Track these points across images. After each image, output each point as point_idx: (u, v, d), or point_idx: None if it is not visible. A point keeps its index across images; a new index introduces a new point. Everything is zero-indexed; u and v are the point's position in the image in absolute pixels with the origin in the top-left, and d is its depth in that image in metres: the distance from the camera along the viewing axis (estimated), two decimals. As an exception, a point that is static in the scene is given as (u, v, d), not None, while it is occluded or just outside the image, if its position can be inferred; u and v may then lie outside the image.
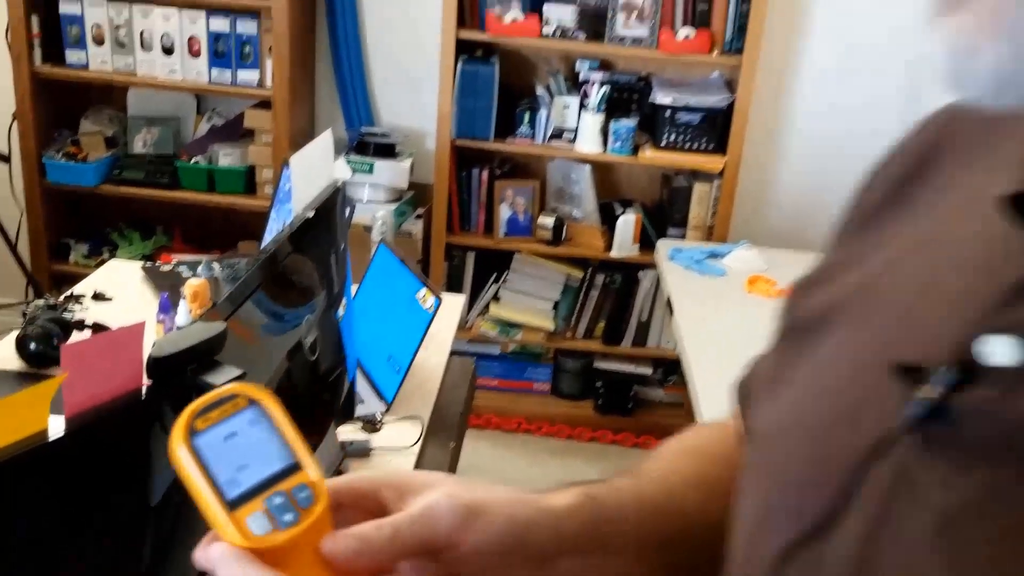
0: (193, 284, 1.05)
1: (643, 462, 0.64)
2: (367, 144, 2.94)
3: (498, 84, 2.81)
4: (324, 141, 1.47)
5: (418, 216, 2.99)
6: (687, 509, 0.60)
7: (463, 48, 2.82)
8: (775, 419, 0.54)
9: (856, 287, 0.52)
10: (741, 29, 2.70)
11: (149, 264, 2.15)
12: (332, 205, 1.45)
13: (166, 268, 2.13)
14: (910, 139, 0.57)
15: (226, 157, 2.98)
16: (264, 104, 2.91)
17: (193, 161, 2.99)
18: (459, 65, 2.79)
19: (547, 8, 2.73)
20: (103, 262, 2.99)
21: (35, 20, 2.83)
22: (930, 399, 0.41)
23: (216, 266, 1.21)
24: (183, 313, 1.04)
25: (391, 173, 2.89)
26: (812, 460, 0.48)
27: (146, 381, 0.79)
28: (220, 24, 2.83)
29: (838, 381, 0.49)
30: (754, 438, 0.57)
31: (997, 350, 0.40)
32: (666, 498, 0.60)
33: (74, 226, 3.13)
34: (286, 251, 1.25)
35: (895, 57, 2.79)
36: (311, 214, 1.32)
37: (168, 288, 1.94)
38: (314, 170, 1.38)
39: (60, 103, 3.02)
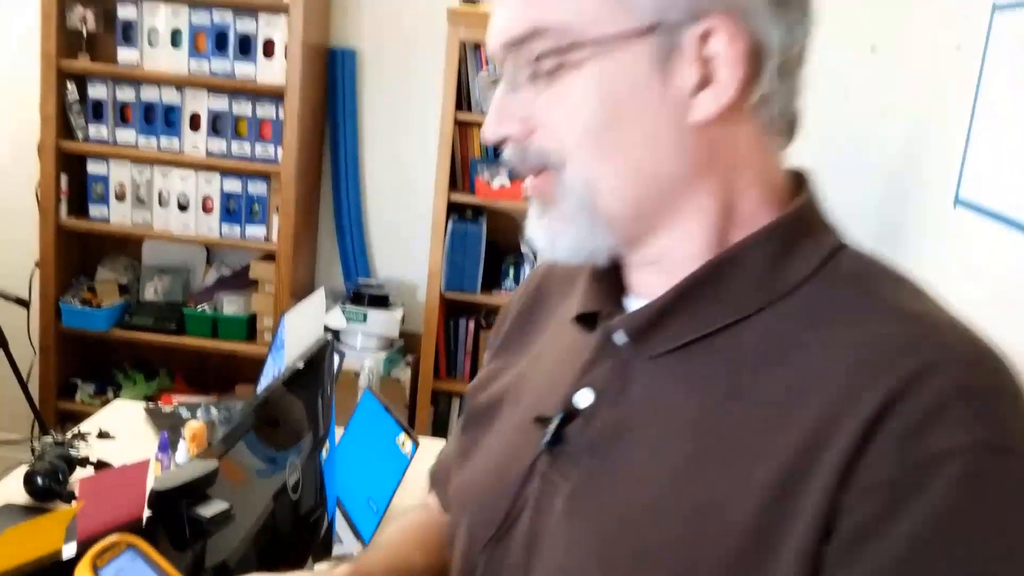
0: (193, 426, 1.19)
1: (380, 539, 0.95)
2: (362, 295, 3.14)
3: (485, 241, 3.03)
4: (318, 298, 1.64)
5: (407, 363, 3.16)
6: (415, 565, 0.88)
7: (454, 209, 3.05)
8: (468, 477, 0.83)
9: (514, 380, 0.83)
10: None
11: (151, 405, 2.30)
12: (321, 357, 1.61)
13: (167, 410, 2.28)
14: (524, 287, 0.92)
15: (231, 305, 3.18)
16: (269, 256, 3.13)
17: (200, 308, 3.19)
18: (450, 224, 3.02)
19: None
20: (107, 402, 3.14)
21: (64, 178, 3.09)
22: (552, 432, 0.72)
23: (214, 410, 1.36)
24: (182, 452, 1.17)
25: (383, 323, 3.08)
26: (494, 488, 0.76)
27: (147, 512, 0.93)
28: (233, 185, 3.09)
29: (507, 437, 0.79)
30: (454, 497, 0.85)
31: (581, 398, 0.72)
32: (401, 561, 0.88)
33: (82, 366, 3.29)
34: (277, 397, 1.40)
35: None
36: (301, 365, 1.49)
37: (168, 428, 2.09)
38: (307, 325, 1.55)
39: (80, 252, 3.25)
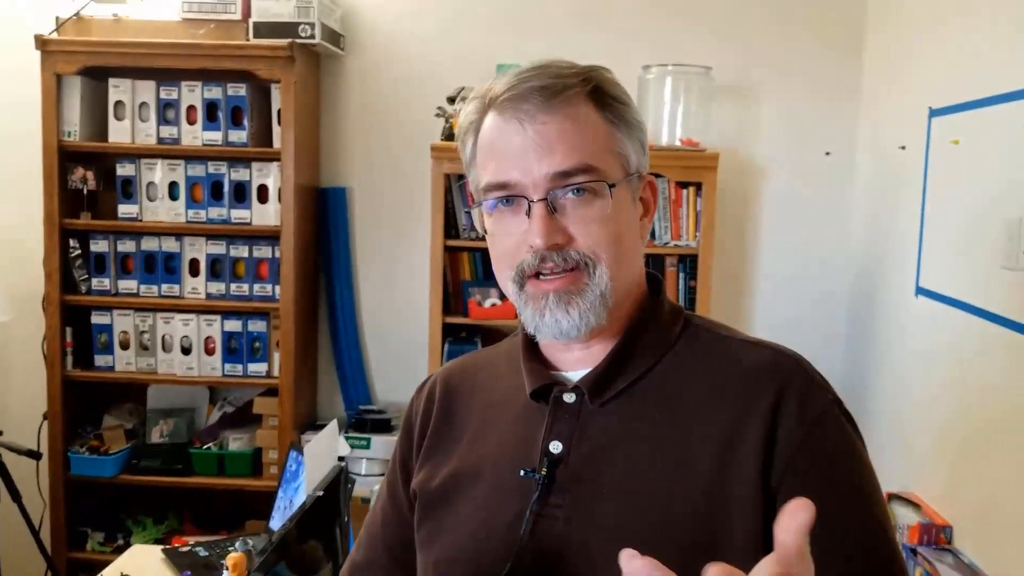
0: (233, 556, 1.28)
1: None
2: (364, 421, 3.23)
3: (481, 361, 3.14)
4: (331, 429, 1.75)
5: (413, 485, 3.22)
6: None
7: (449, 331, 3.18)
8: (450, 548, 1.00)
9: (460, 467, 1.04)
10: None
11: (168, 547, 2.36)
12: (338, 484, 1.71)
13: (184, 550, 2.35)
14: (423, 404, 1.13)
15: (235, 441, 3.26)
16: (272, 391, 3.22)
17: (205, 447, 3.26)
18: (446, 346, 3.14)
19: (519, 295, 3.12)
20: (118, 548, 3.19)
21: (68, 331, 3.21)
22: (542, 474, 0.96)
23: (251, 541, 1.45)
24: (224, 582, 1.27)
25: (387, 446, 3.16)
26: (486, 544, 0.97)
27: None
28: (233, 325, 3.21)
29: (481, 504, 1.00)
30: (436, 571, 1.01)
31: (553, 448, 0.98)
32: None
33: (91, 514, 3.33)
34: (302, 525, 1.50)
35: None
36: (321, 492, 1.58)
37: (188, 567, 2.16)
38: (323, 454, 1.66)
39: (86, 400, 3.34)
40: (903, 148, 2.73)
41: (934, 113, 2.51)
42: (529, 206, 0.95)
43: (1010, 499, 2.05)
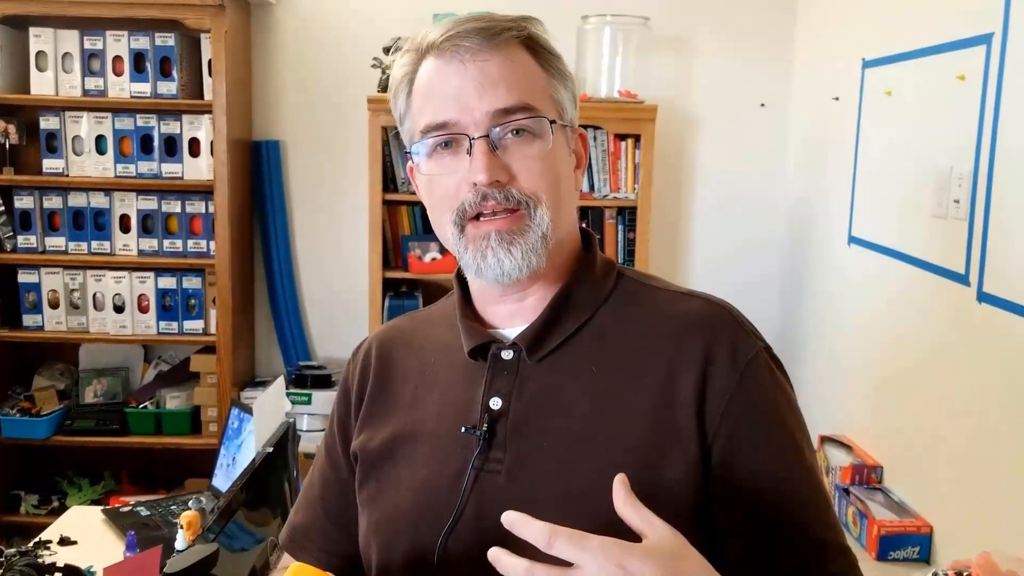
0: (187, 515, 1.27)
1: None
2: (305, 377, 3.21)
3: (422, 315, 3.14)
4: (278, 386, 1.74)
5: (356, 440, 3.22)
6: None
7: (389, 285, 3.16)
8: (392, 506, 1.02)
9: (400, 428, 1.04)
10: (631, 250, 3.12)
11: (108, 508, 2.33)
12: (286, 440, 1.70)
13: (125, 510, 2.31)
14: (359, 369, 1.12)
15: (173, 400, 3.21)
16: (209, 349, 3.18)
17: (141, 406, 3.21)
18: (386, 301, 3.13)
19: (460, 248, 3.12)
20: (53, 511, 3.13)
21: (-7, 291, 3.11)
22: (483, 431, 0.97)
23: (203, 499, 1.43)
24: (180, 539, 1.25)
25: (328, 402, 3.15)
26: (429, 500, 0.98)
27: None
28: (168, 282, 3.15)
29: (423, 461, 1.01)
30: (380, 527, 1.02)
31: (493, 404, 0.98)
32: None
33: (24, 477, 3.26)
34: (252, 483, 1.49)
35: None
36: (271, 449, 1.58)
37: (131, 527, 2.13)
38: (270, 410, 1.64)
39: (16, 362, 3.25)
40: (837, 99, 2.78)
41: (867, 64, 2.56)
42: (471, 144, 0.94)
43: (936, 439, 2.14)
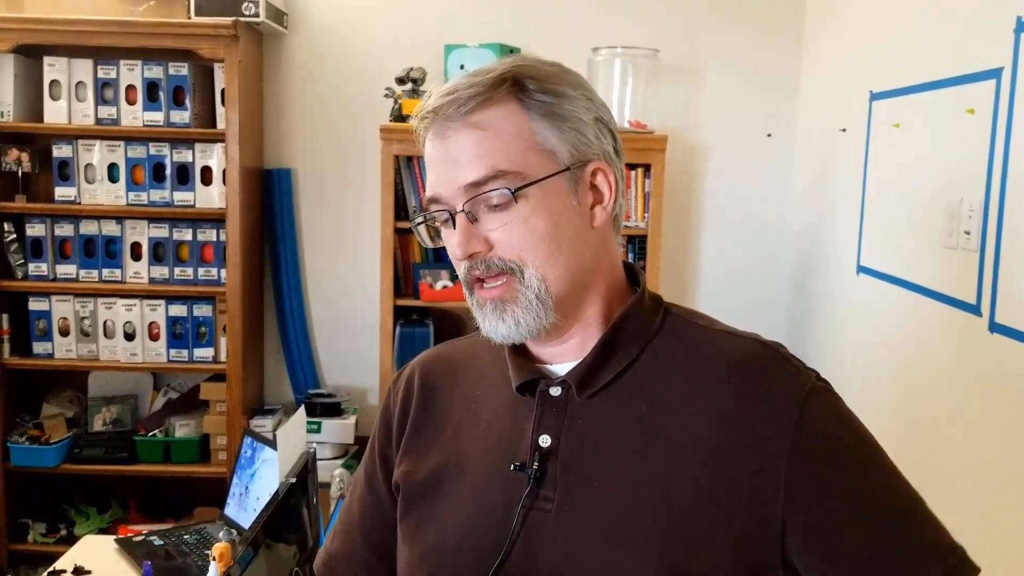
0: (219, 546, 1.28)
1: None
2: (314, 405, 3.21)
3: (433, 340, 3.15)
4: (299, 416, 1.75)
5: (364, 468, 3.22)
6: None
7: (400, 313, 3.18)
8: (435, 542, 1.01)
9: (444, 459, 1.05)
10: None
11: (121, 537, 2.33)
12: (307, 470, 1.71)
13: (138, 539, 2.31)
14: (401, 396, 1.12)
15: (182, 428, 3.21)
16: (218, 376, 3.18)
17: (151, 434, 3.21)
18: (397, 328, 3.14)
19: (470, 276, 3.13)
20: (61, 539, 3.12)
21: (5, 318, 3.11)
22: (533, 468, 0.97)
23: (234, 531, 1.44)
24: (212, 571, 1.27)
25: (338, 430, 3.16)
26: (475, 537, 0.98)
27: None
28: (178, 310, 3.16)
29: (470, 496, 1.01)
30: (423, 564, 1.02)
31: (542, 441, 0.99)
32: None
33: (31, 505, 3.25)
34: (276, 514, 1.49)
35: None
36: (295, 479, 1.58)
37: (145, 557, 2.13)
38: (293, 440, 1.65)
39: (25, 389, 3.25)
40: (844, 131, 2.81)
41: (875, 97, 2.60)
42: (452, 219, 0.98)
43: (946, 468, 2.15)
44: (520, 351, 1.05)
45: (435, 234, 1.04)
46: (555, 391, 1.01)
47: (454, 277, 3.15)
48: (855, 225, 2.71)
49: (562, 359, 1.03)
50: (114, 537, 2.32)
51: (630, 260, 3.06)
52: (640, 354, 1.00)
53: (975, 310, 2.02)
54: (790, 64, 3.29)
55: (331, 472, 2.39)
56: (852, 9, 2.85)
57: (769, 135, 3.33)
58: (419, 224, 1.02)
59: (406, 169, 3.13)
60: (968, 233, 2.06)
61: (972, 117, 2.04)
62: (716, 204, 3.39)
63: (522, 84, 0.97)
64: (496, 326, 0.97)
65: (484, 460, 1.02)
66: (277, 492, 1.55)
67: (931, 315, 2.24)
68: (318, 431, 3.13)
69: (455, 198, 0.96)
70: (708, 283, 3.42)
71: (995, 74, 1.95)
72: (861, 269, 2.68)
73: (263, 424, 3.18)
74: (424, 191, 3.26)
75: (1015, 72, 1.88)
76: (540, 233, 0.96)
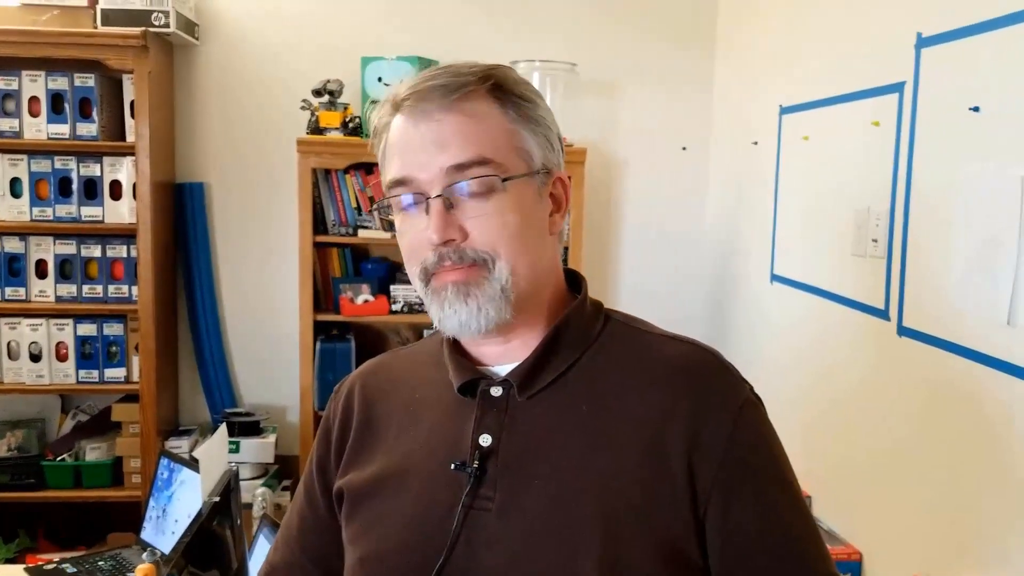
0: (143, 568, 1.23)
1: None
2: (232, 424, 3.13)
3: (355, 356, 3.12)
4: (221, 434, 1.71)
5: (284, 488, 3.16)
6: None
7: (320, 329, 3.13)
8: (381, 545, 1.01)
9: (387, 465, 1.04)
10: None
11: (31, 566, 2.23)
12: (230, 490, 1.67)
13: (49, 567, 2.22)
14: (342, 407, 1.12)
15: (93, 451, 3.10)
16: (131, 397, 3.08)
17: (59, 459, 3.08)
18: (317, 344, 3.09)
19: (394, 289, 3.12)
20: (-37, 571, 2.96)
21: (-100, 340, 2.96)
22: (473, 467, 0.98)
23: (158, 552, 1.39)
24: (136, 593, 1.23)
25: (257, 450, 3.09)
26: (418, 538, 0.98)
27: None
28: (87, 329, 3.05)
29: (412, 499, 1.01)
30: (367, 566, 1.01)
31: (483, 441, 0.99)
32: None
33: (-70, 538, 3.09)
34: (200, 534, 1.46)
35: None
36: (217, 499, 1.54)
37: (58, 586, 2.05)
38: (214, 459, 1.61)
39: (-80, 416, 3.09)
40: (756, 144, 2.90)
41: (784, 111, 2.68)
42: (427, 203, 0.97)
43: (862, 468, 2.22)
44: (460, 352, 1.06)
45: (388, 226, 1.04)
46: (496, 391, 1.02)
47: (375, 292, 3.12)
48: (768, 235, 2.79)
49: (503, 360, 1.04)
50: (23, 566, 2.23)
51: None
52: (581, 356, 1.02)
53: (884, 315, 2.10)
54: (703, 79, 3.38)
55: (252, 492, 2.34)
56: (762, 25, 2.94)
57: (684, 148, 3.40)
58: (384, 207, 1.01)
59: (324, 182, 3.09)
60: (876, 241, 2.14)
61: (877, 129, 2.13)
62: (634, 216, 3.45)
63: (501, 85, 1.00)
64: (457, 310, 0.97)
65: (426, 462, 1.02)
66: (200, 512, 1.51)
67: (842, 321, 2.31)
68: (236, 451, 3.05)
69: (432, 182, 0.96)
70: (628, 293, 3.47)
71: (898, 88, 2.04)
72: (775, 278, 2.76)
73: (179, 445, 3.09)
74: (343, 204, 3.21)
75: (916, 86, 1.97)
76: (513, 228, 0.97)
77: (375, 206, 1.05)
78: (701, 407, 0.96)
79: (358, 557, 1.03)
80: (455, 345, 1.07)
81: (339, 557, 1.08)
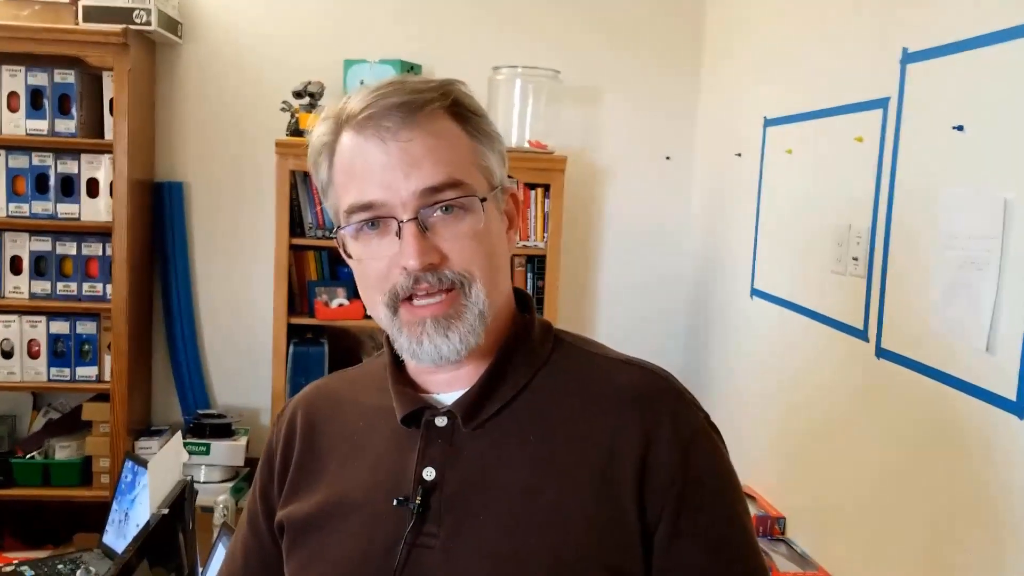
0: (76, 587, 1.20)
1: None
2: (203, 426, 3.09)
3: (328, 360, 3.08)
4: (175, 442, 1.67)
5: (257, 491, 3.12)
6: None
7: (294, 332, 3.09)
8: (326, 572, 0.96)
9: (328, 497, 0.99)
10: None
11: (-11, 568, 2.19)
12: (182, 500, 1.63)
13: (8, 569, 2.18)
14: (284, 435, 1.06)
15: (63, 450, 3.06)
16: (102, 396, 3.04)
17: (29, 456, 3.04)
18: (291, 347, 3.05)
19: (369, 295, 3.07)
20: (-74, 569, 2.92)
21: None
22: (416, 503, 0.93)
23: (92, 568, 1.35)
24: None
25: (227, 452, 3.05)
26: (361, 572, 0.93)
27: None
28: (60, 327, 3.01)
29: (355, 532, 0.96)
30: None
31: (427, 474, 0.95)
32: None
33: None
34: (146, 546, 1.42)
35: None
36: (167, 510, 1.51)
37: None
38: (167, 468, 1.57)
39: None
40: (739, 155, 2.86)
41: (769, 123, 2.65)
42: (399, 227, 0.92)
43: (837, 490, 2.19)
44: (404, 380, 1.01)
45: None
46: (440, 422, 0.97)
47: (350, 295, 3.09)
48: (749, 248, 2.76)
49: (450, 388, 0.99)
50: (-20, 569, 2.19)
51: (527, 280, 3.11)
52: (529, 382, 0.98)
53: (863, 335, 2.07)
54: (688, 88, 3.34)
55: (215, 497, 2.30)
56: (748, 36, 2.91)
57: (668, 158, 3.37)
58: (349, 229, 0.95)
59: (302, 185, 3.06)
60: (856, 259, 2.11)
61: (861, 145, 2.10)
62: (616, 225, 3.41)
63: (459, 101, 0.96)
64: (439, 345, 0.93)
65: (368, 495, 0.97)
66: (148, 524, 1.47)
67: (821, 340, 2.28)
68: (207, 453, 3.01)
69: (404, 204, 0.91)
70: (607, 304, 3.43)
71: (882, 103, 2.01)
72: (755, 292, 2.72)
73: (149, 446, 3.05)
74: (320, 207, 3.18)
75: (901, 102, 1.94)
76: (485, 249, 0.95)
77: (334, 233, 0.99)
78: (652, 435, 0.93)
79: None
80: (397, 373, 1.02)
81: None
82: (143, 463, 2.26)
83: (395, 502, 0.94)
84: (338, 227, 0.97)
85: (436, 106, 0.94)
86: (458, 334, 0.93)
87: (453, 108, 0.96)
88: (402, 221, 0.92)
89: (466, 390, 0.97)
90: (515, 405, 0.97)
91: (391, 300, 0.94)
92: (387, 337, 1.01)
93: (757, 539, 0.99)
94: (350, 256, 0.98)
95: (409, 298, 0.94)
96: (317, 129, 0.98)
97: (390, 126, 0.92)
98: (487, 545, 0.91)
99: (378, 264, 0.94)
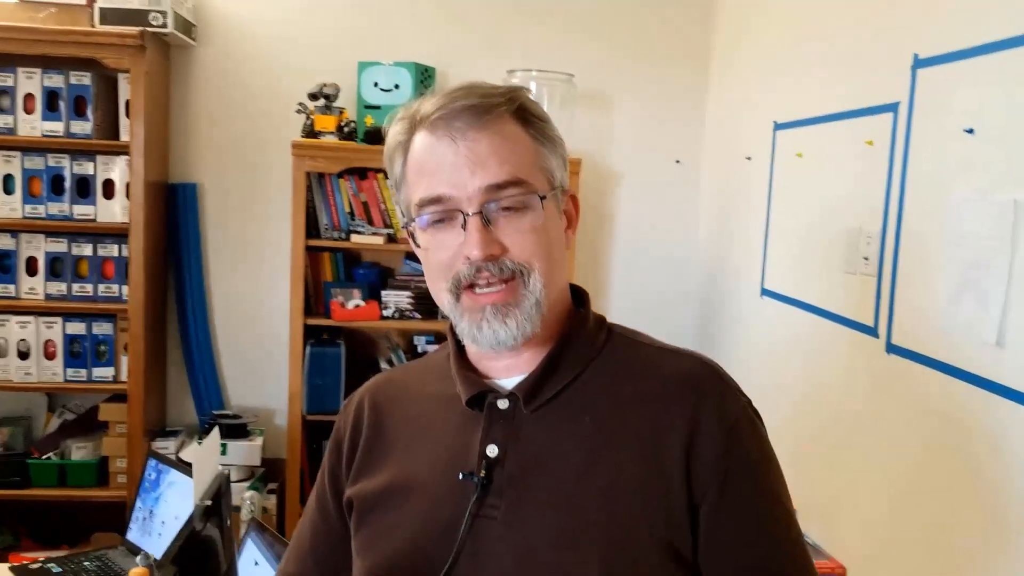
0: (136, 571, 1.23)
1: None
2: (219, 427, 3.12)
3: (345, 360, 3.11)
4: (213, 437, 1.70)
5: (271, 491, 3.16)
6: None
7: (311, 333, 3.13)
8: (389, 551, 1.03)
9: (395, 476, 1.07)
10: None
11: (16, 565, 2.22)
12: (221, 493, 1.67)
13: (35, 567, 2.21)
14: (353, 419, 1.14)
15: (79, 450, 3.08)
16: (118, 397, 3.07)
17: (45, 457, 3.07)
18: (307, 348, 3.09)
19: (385, 294, 3.12)
20: (-54, 569, 2.94)
21: None
22: (481, 476, 1.00)
23: (151, 556, 1.39)
24: (132, 597, 1.23)
25: (244, 452, 3.08)
26: (426, 545, 1.00)
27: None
28: (76, 328, 3.04)
29: (420, 508, 1.03)
30: (376, 572, 1.03)
31: (490, 451, 1.02)
32: None
33: (-89, 534, 3.07)
34: (191, 537, 1.46)
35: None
36: (209, 502, 1.54)
37: (43, 585, 2.04)
38: (206, 462, 1.61)
39: (-95, 411, 3.07)
40: (749, 159, 2.92)
41: (779, 127, 2.70)
42: (464, 220, 0.99)
43: (848, 484, 2.24)
44: (468, 367, 1.09)
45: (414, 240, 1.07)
46: (503, 404, 1.04)
47: (366, 297, 3.12)
48: (759, 249, 2.81)
49: (511, 373, 1.06)
50: (8, 565, 2.22)
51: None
52: (584, 370, 1.05)
53: (873, 332, 2.12)
54: (698, 93, 3.40)
55: (240, 495, 2.33)
56: (757, 41, 2.96)
57: (678, 161, 3.42)
58: (420, 221, 1.03)
59: (317, 186, 3.09)
60: (867, 259, 2.16)
61: (871, 148, 2.14)
62: (627, 226, 3.46)
63: (524, 106, 1.04)
64: (497, 330, 1.00)
65: (434, 473, 1.04)
66: (192, 515, 1.51)
67: (831, 336, 2.33)
68: (224, 453, 3.04)
69: (470, 200, 0.99)
70: (619, 303, 3.48)
71: (893, 108, 2.06)
72: (765, 292, 2.78)
73: (166, 446, 3.08)
74: (336, 208, 3.22)
75: (911, 106, 1.99)
76: (545, 243, 1.02)
77: (405, 223, 1.07)
78: (699, 418, 0.99)
79: (367, 566, 1.05)
80: (461, 359, 1.10)
81: (349, 570, 1.09)
82: (167, 462, 2.30)
83: (460, 476, 1.01)
84: (410, 219, 1.05)
85: (503, 110, 1.01)
86: (515, 321, 1.00)
87: (519, 112, 1.03)
88: (467, 215, 0.99)
89: (525, 376, 1.05)
90: (571, 390, 1.04)
91: (454, 287, 1.02)
92: (450, 327, 1.09)
93: (795, 520, 1.04)
94: (419, 246, 1.06)
95: (471, 286, 1.01)
96: (393, 129, 1.06)
97: (460, 126, 1.00)
98: (545, 518, 0.98)
99: (444, 254, 1.02)
